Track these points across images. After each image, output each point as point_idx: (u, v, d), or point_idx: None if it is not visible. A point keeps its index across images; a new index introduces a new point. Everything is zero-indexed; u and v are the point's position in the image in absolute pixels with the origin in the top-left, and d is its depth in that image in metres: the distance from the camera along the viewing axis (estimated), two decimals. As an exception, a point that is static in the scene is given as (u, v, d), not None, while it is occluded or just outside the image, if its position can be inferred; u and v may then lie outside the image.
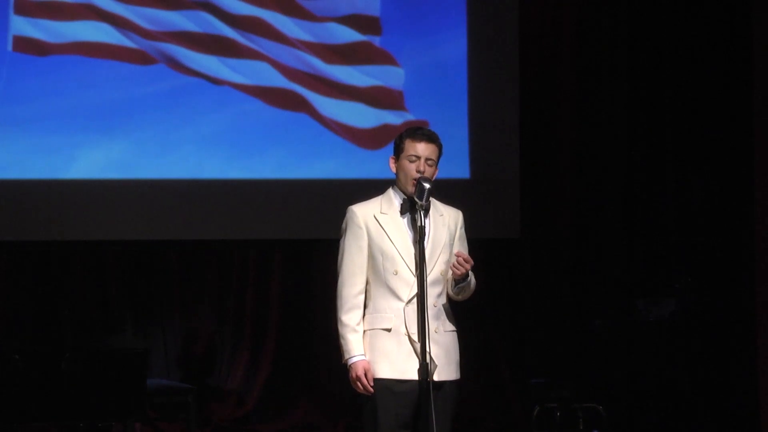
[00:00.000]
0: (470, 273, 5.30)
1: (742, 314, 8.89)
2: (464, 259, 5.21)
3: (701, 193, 9.43)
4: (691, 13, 9.51)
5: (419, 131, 5.35)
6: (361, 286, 5.27)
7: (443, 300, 5.33)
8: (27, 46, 8.82)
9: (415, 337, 5.18)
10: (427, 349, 5.10)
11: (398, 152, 5.33)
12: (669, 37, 9.62)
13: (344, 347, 5.24)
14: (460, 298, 5.37)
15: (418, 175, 5.25)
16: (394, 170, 5.35)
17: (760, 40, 8.61)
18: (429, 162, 5.29)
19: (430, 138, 5.32)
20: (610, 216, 9.69)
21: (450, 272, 5.30)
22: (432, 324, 5.18)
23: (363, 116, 9.29)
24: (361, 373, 5.19)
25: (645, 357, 8.80)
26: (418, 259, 5.20)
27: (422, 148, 5.29)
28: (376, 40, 9.37)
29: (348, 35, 9.31)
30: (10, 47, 8.78)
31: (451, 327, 5.34)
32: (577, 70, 9.76)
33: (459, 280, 5.27)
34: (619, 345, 8.93)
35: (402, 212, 5.30)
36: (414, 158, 5.29)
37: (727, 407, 8.97)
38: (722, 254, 9.25)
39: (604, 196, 9.70)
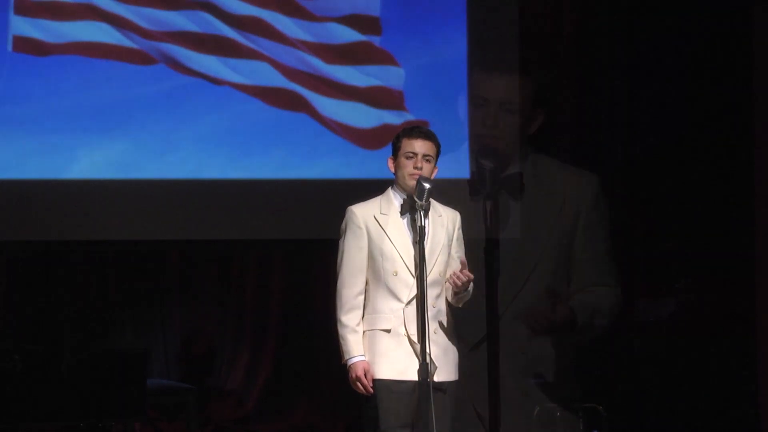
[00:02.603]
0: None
1: (742, 314, 8.89)
2: (464, 274, 5.22)
3: (701, 193, 9.42)
4: (691, 13, 9.50)
5: (415, 129, 5.39)
6: (361, 286, 5.27)
7: (442, 301, 5.33)
8: (27, 46, 8.81)
9: (414, 338, 5.18)
10: (427, 350, 5.10)
11: (395, 151, 5.36)
12: (669, 37, 9.60)
13: (344, 348, 5.24)
14: (458, 305, 5.37)
15: (416, 171, 5.25)
16: (392, 170, 5.36)
17: (760, 40, 8.60)
18: (426, 158, 5.30)
19: (427, 135, 5.35)
20: (610, 216, 9.67)
21: (448, 275, 5.31)
22: (431, 325, 5.17)
23: (363, 116, 9.28)
24: (360, 373, 5.19)
25: (645, 357, 8.79)
26: (417, 259, 5.20)
27: (419, 145, 5.30)
28: (376, 40, 9.35)
29: (348, 35, 9.30)
30: (10, 47, 8.77)
31: (449, 328, 5.34)
32: (577, 70, 9.74)
33: (458, 291, 5.28)
34: (619, 345, 8.91)
35: (402, 213, 5.30)
36: (411, 155, 5.30)
37: (727, 407, 8.96)
38: (722, 254, 9.24)
39: (603, 196, 9.67)
